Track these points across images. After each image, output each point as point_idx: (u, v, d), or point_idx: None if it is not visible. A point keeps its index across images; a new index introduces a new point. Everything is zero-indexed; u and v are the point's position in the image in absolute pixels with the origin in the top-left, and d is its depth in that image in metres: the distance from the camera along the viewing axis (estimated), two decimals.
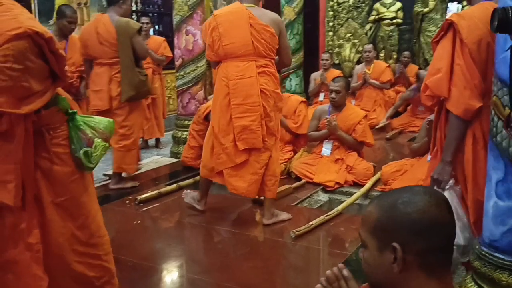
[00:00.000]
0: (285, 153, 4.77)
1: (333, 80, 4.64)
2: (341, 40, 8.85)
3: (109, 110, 4.06)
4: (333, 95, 4.44)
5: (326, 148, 4.51)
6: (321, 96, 7.36)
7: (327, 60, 7.29)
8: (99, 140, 1.92)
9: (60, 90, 1.96)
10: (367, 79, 7.25)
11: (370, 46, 7.46)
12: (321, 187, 4.26)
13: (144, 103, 4.96)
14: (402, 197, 1.14)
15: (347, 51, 8.81)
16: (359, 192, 3.98)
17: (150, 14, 7.81)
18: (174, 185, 4.24)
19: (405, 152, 5.52)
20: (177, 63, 5.79)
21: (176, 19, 5.59)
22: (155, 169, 5.05)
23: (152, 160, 5.43)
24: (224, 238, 3.33)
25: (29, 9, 5.27)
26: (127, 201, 3.92)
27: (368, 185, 4.11)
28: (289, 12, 7.79)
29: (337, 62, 8.85)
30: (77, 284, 1.91)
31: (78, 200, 1.92)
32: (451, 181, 2.31)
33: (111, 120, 2.05)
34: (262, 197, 3.75)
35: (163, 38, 6.50)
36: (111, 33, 4.06)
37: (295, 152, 4.81)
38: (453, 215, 1.17)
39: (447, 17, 2.27)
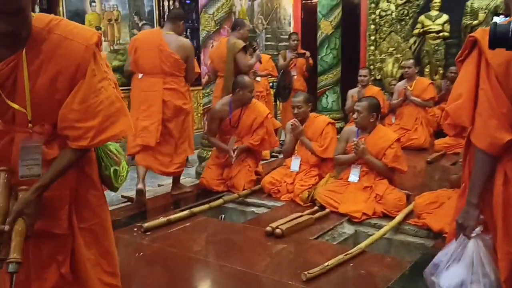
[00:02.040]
0: (309, 178, 4.39)
1: (358, 99, 4.26)
2: (383, 55, 8.42)
3: None
4: (355, 115, 4.08)
5: (354, 174, 4.09)
6: None
7: (365, 76, 6.85)
8: (124, 162, 1.86)
9: None
10: (408, 96, 6.75)
11: (410, 62, 6.95)
12: (347, 218, 3.84)
13: None
14: None
15: (390, 66, 8.36)
16: (387, 226, 3.54)
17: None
18: (186, 211, 3.94)
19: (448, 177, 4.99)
20: (204, 80, 5.59)
21: (202, 34, 5.40)
22: None
23: None
24: (229, 277, 2.99)
25: None
26: (135, 228, 3.67)
27: (398, 218, 3.65)
28: (326, 26, 7.45)
29: (378, 77, 8.43)
30: None
31: (104, 225, 1.82)
32: (479, 228, 1.88)
33: None
34: (278, 230, 3.47)
35: None
36: (223, 52, 5.16)
37: (321, 177, 4.41)
38: None
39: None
